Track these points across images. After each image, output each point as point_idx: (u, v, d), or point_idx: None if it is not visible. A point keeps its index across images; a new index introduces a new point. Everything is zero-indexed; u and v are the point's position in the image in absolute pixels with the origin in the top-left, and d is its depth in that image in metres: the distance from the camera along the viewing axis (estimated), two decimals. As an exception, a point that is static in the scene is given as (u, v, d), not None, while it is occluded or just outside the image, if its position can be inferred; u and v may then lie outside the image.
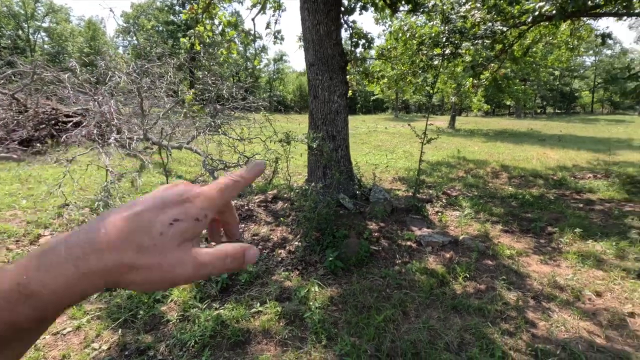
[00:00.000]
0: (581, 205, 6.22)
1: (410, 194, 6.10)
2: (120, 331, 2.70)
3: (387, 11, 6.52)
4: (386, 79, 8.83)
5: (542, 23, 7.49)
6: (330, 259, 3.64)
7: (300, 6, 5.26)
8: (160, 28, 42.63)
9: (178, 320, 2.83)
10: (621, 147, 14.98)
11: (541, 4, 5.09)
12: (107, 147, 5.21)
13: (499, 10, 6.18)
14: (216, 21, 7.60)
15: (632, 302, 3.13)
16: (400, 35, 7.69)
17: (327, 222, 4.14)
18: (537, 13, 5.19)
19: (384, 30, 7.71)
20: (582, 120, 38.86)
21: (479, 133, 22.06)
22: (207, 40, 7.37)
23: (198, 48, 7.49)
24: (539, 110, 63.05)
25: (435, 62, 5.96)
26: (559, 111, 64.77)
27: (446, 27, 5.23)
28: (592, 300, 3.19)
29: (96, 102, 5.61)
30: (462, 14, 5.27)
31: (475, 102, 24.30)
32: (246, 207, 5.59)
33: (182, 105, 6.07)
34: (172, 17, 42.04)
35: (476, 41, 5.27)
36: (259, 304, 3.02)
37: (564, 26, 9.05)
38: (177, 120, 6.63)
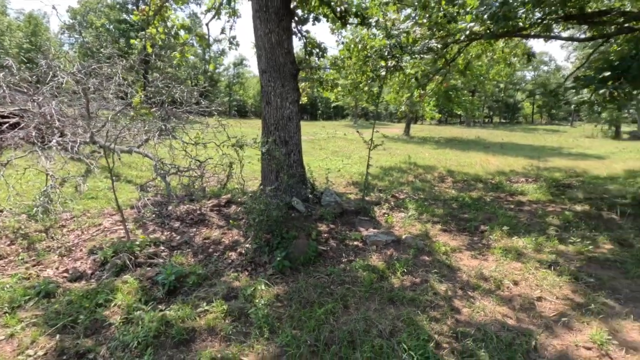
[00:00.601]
0: (512, 206, 6.89)
1: (361, 197, 6.41)
2: (58, 337, 2.65)
3: (338, 23, 6.85)
4: (340, 87, 9.19)
5: (479, 40, 8.24)
6: (279, 259, 3.79)
7: (253, 15, 5.40)
8: (111, 26, 40.46)
9: (121, 323, 2.82)
10: (553, 154, 16.62)
11: (471, 24, 5.69)
12: (47, 151, 4.96)
13: (441, 26, 6.76)
14: (169, 24, 7.50)
15: (541, 289, 3.59)
16: (352, 46, 8.07)
17: (277, 224, 4.28)
18: (468, 32, 5.79)
19: (337, 41, 8.05)
20: (523, 129, 42.42)
21: (431, 140, 23.31)
22: (160, 43, 7.26)
23: (150, 50, 7.35)
24: (486, 120, 67.80)
25: (383, 73, 6.38)
26: (504, 121, 70.09)
27: (389, 42, 5.66)
28: (510, 288, 3.61)
29: (36, 103, 5.33)
30: (404, 29, 5.72)
31: (428, 111, 25.76)
32: (199, 212, 5.59)
33: (133, 108, 5.93)
34: (124, 15, 40.10)
35: (415, 55, 5.77)
36: (205, 304, 3.09)
37: (501, 43, 9.99)
38: (127, 124, 6.45)
